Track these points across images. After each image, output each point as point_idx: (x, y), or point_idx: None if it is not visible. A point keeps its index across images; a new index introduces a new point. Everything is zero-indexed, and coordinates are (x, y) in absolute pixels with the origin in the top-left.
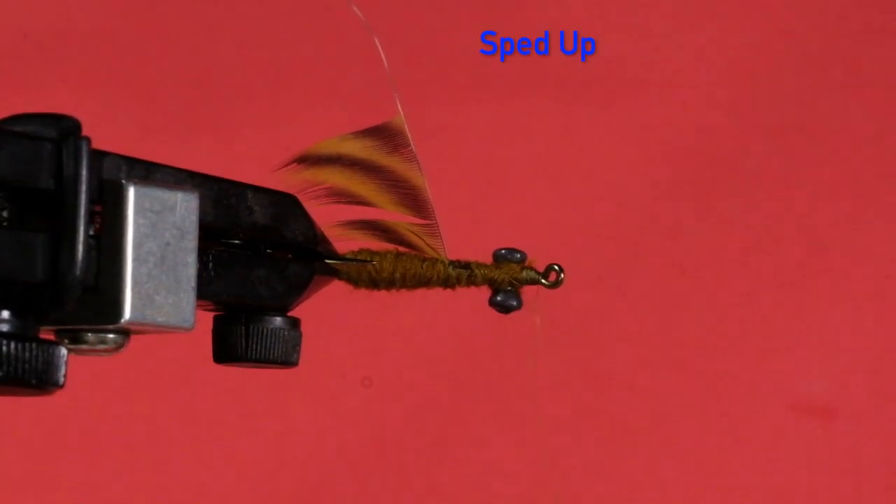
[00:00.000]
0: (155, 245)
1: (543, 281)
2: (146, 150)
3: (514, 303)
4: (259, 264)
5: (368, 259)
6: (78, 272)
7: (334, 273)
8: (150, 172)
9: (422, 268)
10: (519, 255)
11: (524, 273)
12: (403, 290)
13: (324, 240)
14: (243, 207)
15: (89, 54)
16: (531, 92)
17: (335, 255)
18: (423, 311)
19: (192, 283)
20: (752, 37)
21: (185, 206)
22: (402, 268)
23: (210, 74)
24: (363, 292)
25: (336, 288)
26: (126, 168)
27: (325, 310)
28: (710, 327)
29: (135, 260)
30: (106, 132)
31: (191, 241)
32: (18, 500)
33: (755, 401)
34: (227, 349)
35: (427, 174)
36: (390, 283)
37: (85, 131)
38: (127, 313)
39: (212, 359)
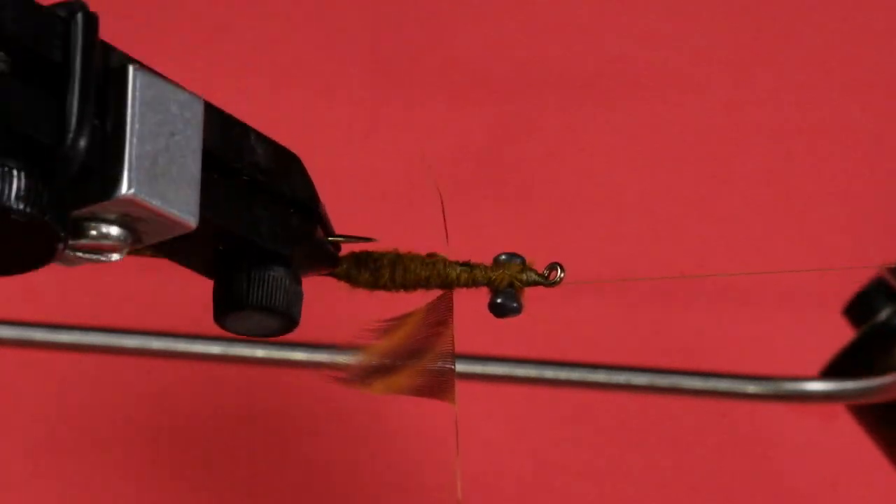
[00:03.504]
0: (159, 130)
1: (548, 280)
2: None
3: (514, 305)
4: (261, 203)
5: (369, 238)
6: (82, 140)
7: (332, 263)
8: (154, 73)
9: (421, 267)
10: (519, 259)
11: (524, 274)
12: (402, 292)
13: (325, 216)
14: (246, 144)
15: None
16: (531, 92)
17: (334, 233)
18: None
19: (197, 177)
20: (753, 37)
21: (190, 106)
22: (401, 266)
23: (211, 75)
24: (362, 292)
25: (335, 288)
26: (133, 63)
27: (323, 310)
28: (708, 326)
29: (138, 138)
30: None
31: (195, 139)
32: (18, 500)
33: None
34: (229, 297)
35: (426, 175)
36: (390, 282)
37: None
38: (124, 184)
39: (213, 322)
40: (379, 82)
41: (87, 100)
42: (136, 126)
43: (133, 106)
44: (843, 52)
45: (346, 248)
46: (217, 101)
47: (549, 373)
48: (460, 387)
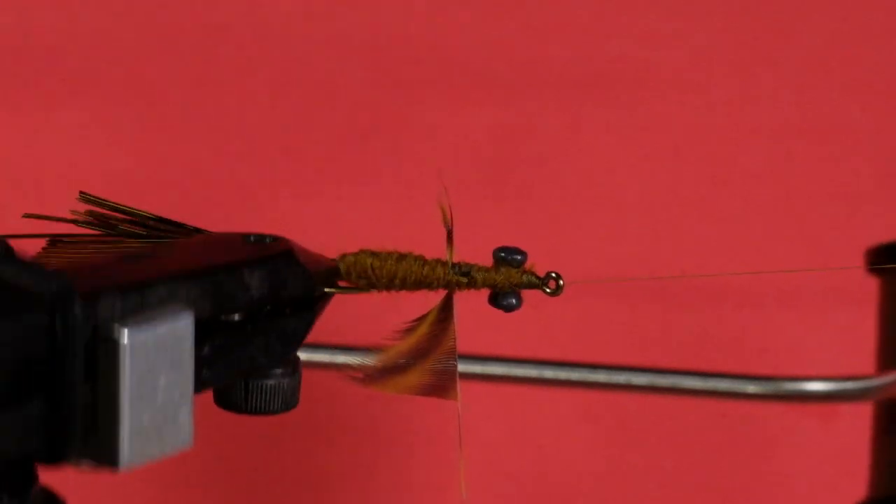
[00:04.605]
0: (152, 387)
1: (546, 289)
2: (145, 150)
3: (514, 301)
4: (257, 334)
5: (366, 289)
6: (74, 442)
7: (333, 286)
8: (143, 298)
9: (422, 273)
10: (520, 258)
11: (524, 277)
12: (404, 291)
13: (322, 274)
14: (240, 289)
15: (88, 55)
16: (531, 92)
17: (334, 285)
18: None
19: (190, 407)
20: (753, 37)
21: (180, 333)
22: (402, 272)
23: (209, 70)
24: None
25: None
26: (119, 306)
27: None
28: (709, 326)
29: (131, 409)
30: (103, 133)
31: (188, 369)
32: None
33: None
34: (227, 401)
35: (428, 175)
36: (390, 286)
37: (82, 133)
38: (125, 461)
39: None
40: (379, 82)
41: (74, 404)
42: (131, 397)
43: (128, 379)
44: (843, 52)
45: (345, 250)
46: (217, 102)
47: (549, 373)
48: (460, 386)
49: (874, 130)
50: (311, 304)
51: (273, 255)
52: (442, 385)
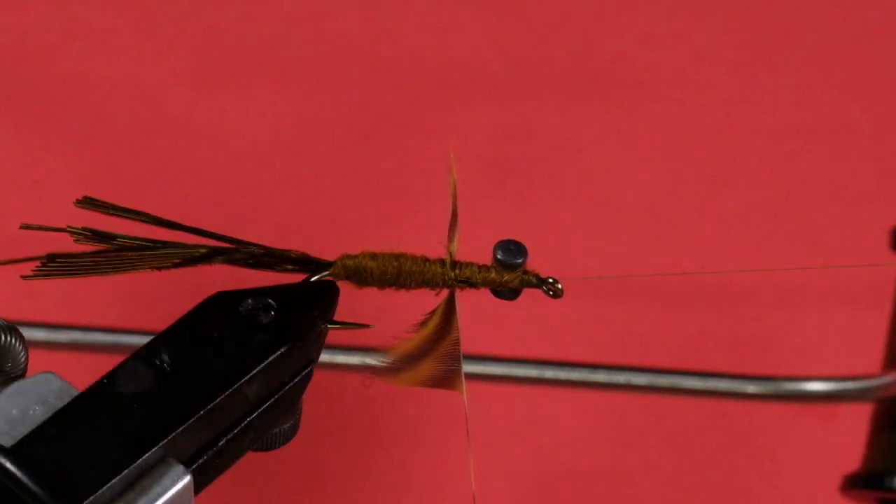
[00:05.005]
0: None
1: (550, 293)
2: (145, 150)
3: (511, 294)
4: (258, 420)
5: (368, 324)
6: None
7: (330, 320)
8: (142, 466)
9: (423, 279)
10: (520, 261)
11: (524, 278)
12: (403, 290)
13: (320, 311)
14: (239, 403)
15: (88, 55)
16: (531, 92)
17: (334, 322)
18: (424, 308)
19: None
20: (753, 37)
21: (179, 496)
22: (402, 279)
23: (210, 71)
24: (366, 290)
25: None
26: (120, 485)
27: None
28: (709, 326)
29: None
30: (103, 133)
31: None
32: None
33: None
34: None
35: (428, 175)
36: (388, 286)
37: (82, 134)
38: None
39: None
40: (379, 82)
41: None
42: None
43: None
44: (843, 52)
45: (345, 251)
46: (217, 102)
47: (549, 373)
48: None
49: (874, 130)
50: (309, 363)
51: (271, 350)
52: (448, 378)
